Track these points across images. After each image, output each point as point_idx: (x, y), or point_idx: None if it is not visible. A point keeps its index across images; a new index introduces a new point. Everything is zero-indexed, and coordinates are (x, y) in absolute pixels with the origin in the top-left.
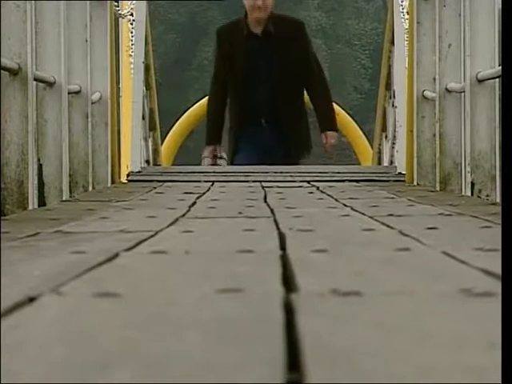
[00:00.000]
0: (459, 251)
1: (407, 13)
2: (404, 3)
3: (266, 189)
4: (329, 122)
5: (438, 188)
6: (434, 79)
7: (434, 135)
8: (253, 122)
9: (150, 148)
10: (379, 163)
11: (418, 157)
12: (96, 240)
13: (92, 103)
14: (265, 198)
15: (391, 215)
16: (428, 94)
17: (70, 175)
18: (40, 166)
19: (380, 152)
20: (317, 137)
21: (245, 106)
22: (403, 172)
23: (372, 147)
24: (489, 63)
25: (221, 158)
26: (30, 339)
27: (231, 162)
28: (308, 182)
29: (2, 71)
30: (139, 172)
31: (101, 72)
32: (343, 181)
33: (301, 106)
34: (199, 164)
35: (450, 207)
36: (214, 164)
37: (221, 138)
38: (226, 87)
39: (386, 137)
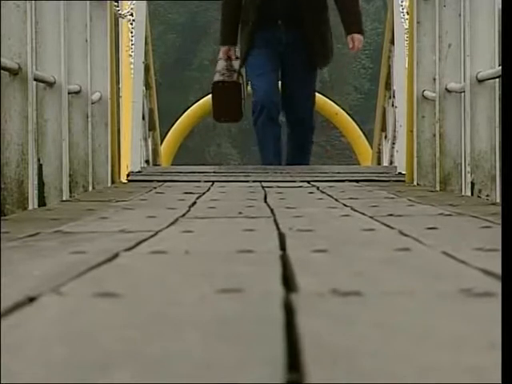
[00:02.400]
0: (459, 251)
1: (407, 13)
2: (404, 3)
3: (266, 189)
4: (355, 25)
5: (438, 188)
6: (434, 79)
7: (434, 135)
8: (269, 22)
9: (150, 148)
10: (379, 163)
11: (418, 157)
12: (96, 240)
13: (92, 103)
14: (265, 197)
15: (391, 215)
16: (428, 93)
17: (70, 175)
18: (40, 166)
19: (380, 152)
20: (317, 136)
21: (262, 5)
22: (403, 172)
23: (372, 147)
24: (489, 63)
25: (237, 58)
26: (30, 339)
27: (243, 62)
28: (308, 181)
29: (2, 71)
30: (139, 172)
31: (101, 72)
32: (343, 181)
33: (323, 11)
34: (199, 163)
35: (450, 207)
36: (229, 66)
37: (236, 38)
38: None
39: (386, 137)
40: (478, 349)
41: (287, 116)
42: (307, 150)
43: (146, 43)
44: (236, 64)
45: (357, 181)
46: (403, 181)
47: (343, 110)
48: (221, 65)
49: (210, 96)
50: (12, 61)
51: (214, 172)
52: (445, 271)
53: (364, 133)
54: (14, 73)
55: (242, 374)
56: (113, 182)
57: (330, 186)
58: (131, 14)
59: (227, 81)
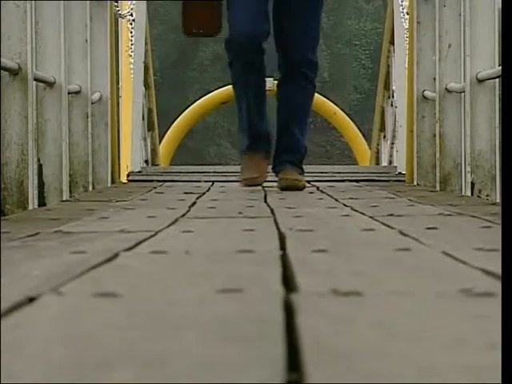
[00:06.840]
0: (459, 251)
1: (407, 13)
2: (404, 3)
3: (266, 189)
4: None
5: (438, 188)
6: (434, 79)
7: (434, 135)
8: None
9: (149, 148)
10: (377, 163)
11: (418, 157)
12: (96, 240)
13: (92, 103)
14: (265, 197)
15: (391, 215)
16: (428, 93)
17: (70, 175)
18: (40, 166)
19: (378, 152)
20: (317, 136)
21: None
22: (403, 172)
23: (370, 147)
24: (489, 63)
25: None
26: (30, 339)
27: None
28: (308, 181)
29: (2, 71)
30: (139, 172)
31: (101, 72)
32: (343, 181)
33: None
34: (199, 163)
35: (450, 207)
36: None
37: None
38: None
39: (385, 137)
40: (478, 349)
41: (283, 58)
42: (307, 101)
43: (145, 43)
44: None
45: (357, 181)
46: (403, 181)
47: (343, 110)
48: None
49: (208, 96)
50: (12, 61)
51: (214, 172)
52: (445, 271)
53: (363, 133)
54: (14, 73)
55: (241, 373)
56: (113, 181)
57: (330, 186)
58: (131, 14)
59: None
